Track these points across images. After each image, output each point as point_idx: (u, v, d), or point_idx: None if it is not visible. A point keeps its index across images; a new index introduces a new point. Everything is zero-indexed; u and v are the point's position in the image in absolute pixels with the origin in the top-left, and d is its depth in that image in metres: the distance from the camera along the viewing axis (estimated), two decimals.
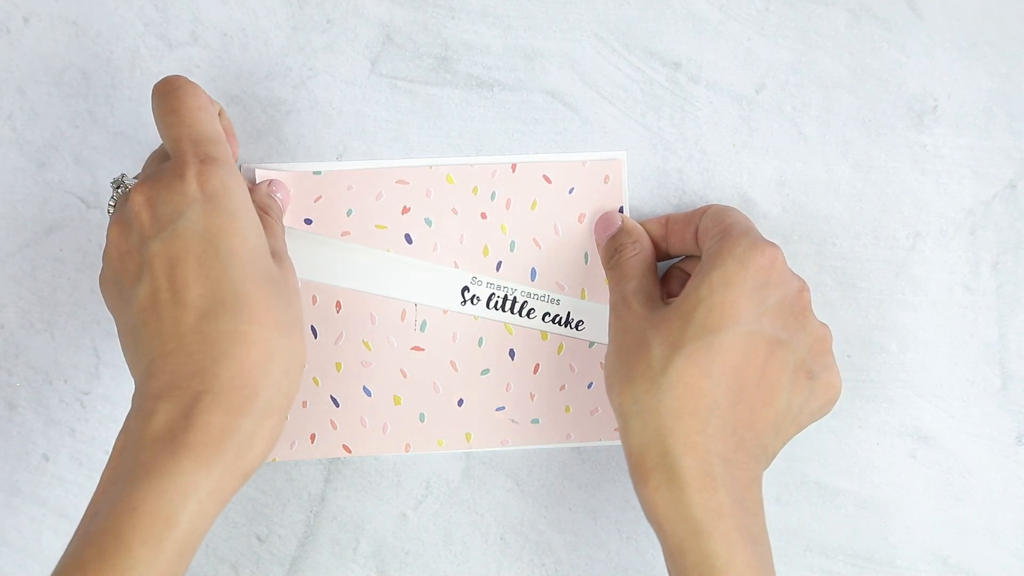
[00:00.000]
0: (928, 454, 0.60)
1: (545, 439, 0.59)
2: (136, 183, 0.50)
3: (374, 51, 0.58)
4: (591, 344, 0.59)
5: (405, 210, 0.58)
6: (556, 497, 0.60)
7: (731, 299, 0.50)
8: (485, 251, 0.59)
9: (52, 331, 0.59)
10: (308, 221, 0.58)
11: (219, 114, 0.53)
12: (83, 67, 0.58)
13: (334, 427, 0.59)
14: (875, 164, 0.59)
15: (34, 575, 0.59)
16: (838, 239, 0.59)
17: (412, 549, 0.60)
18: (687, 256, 0.57)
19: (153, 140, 0.58)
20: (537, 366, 0.59)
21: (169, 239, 0.47)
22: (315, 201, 0.58)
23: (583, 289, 0.59)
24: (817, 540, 0.60)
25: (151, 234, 0.48)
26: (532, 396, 0.59)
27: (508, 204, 0.59)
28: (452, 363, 0.59)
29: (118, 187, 0.51)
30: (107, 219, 0.58)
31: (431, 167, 0.58)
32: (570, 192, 0.59)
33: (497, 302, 0.59)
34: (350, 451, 0.59)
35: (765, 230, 0.58)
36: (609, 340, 0.54)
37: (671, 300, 0.53)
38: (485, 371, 0.59)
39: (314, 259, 0.58)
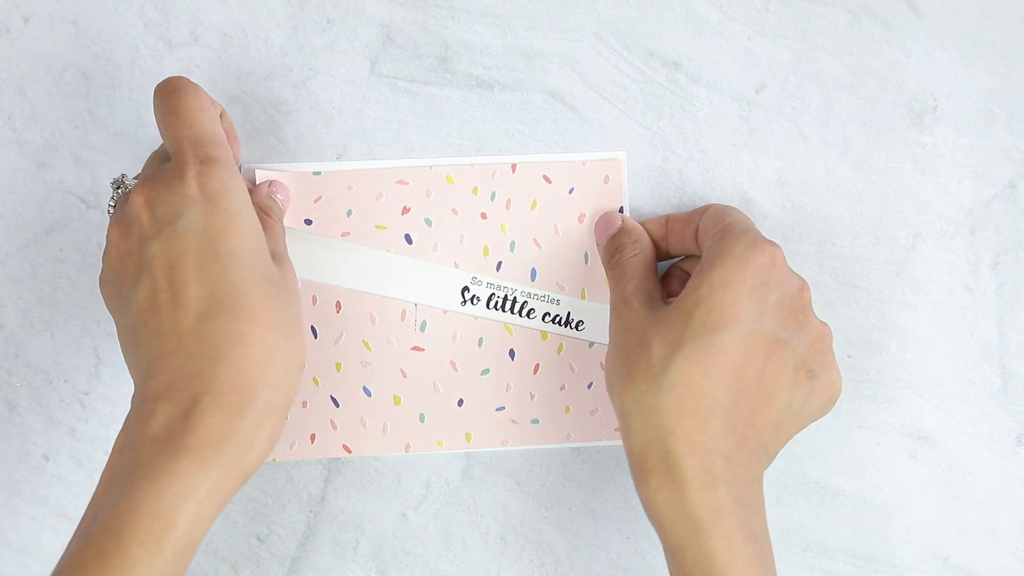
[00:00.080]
0: (928, 454, 0.59)
1: (545, 439, 0.59)
2: (136, 184, 0.50)
3: (374, 51, 0.58)
4: (591, 344, 0.59)
5: (405, 210, 0.58)
6: (556, 497, 0.60)
7: (731, 298, 0.50)
8: (485, 251, 0.59)
9: (52, 331, 0.59)
10: (308, 221, 0.58)
11: (221, 116, 0.53)
12: (83, 67, 0.58)
13: (334, 427, 0.59)
14: (875, 164, 0.59)
15: (34, 575, 0.59)
16: (838, 239, 0.59)
17: (412, 549, 0.60)
18: (687, 256, 0.57)
19: (153, 140, 0.58)
20: (537, 366, 0.59)
21: (169, 240, 0.47)
22: (315, 201, 0.58)
23: (583, 289, 0.59)
24: (817, 540, 0.60)
25: (151, 235, 0.48)
26: (532, 396, 0.59)
27: (508, 204, 0.58)
28: (452, 363, 0.59)
29: (118, 187, 0.51)
30: (107, 219, 0.58)
31: (431, 167, 0.58)
32: (570, 192, 0.58)
33: (497, 302, 0.59)
34: (350, 451, 0.59)
35: (765, 230, 0.58)
36: (609, 340, 0.54)
37: (671, 300, 0.53)
38: (485, 371, 0.59)
39: (314, 259, 0.58)
